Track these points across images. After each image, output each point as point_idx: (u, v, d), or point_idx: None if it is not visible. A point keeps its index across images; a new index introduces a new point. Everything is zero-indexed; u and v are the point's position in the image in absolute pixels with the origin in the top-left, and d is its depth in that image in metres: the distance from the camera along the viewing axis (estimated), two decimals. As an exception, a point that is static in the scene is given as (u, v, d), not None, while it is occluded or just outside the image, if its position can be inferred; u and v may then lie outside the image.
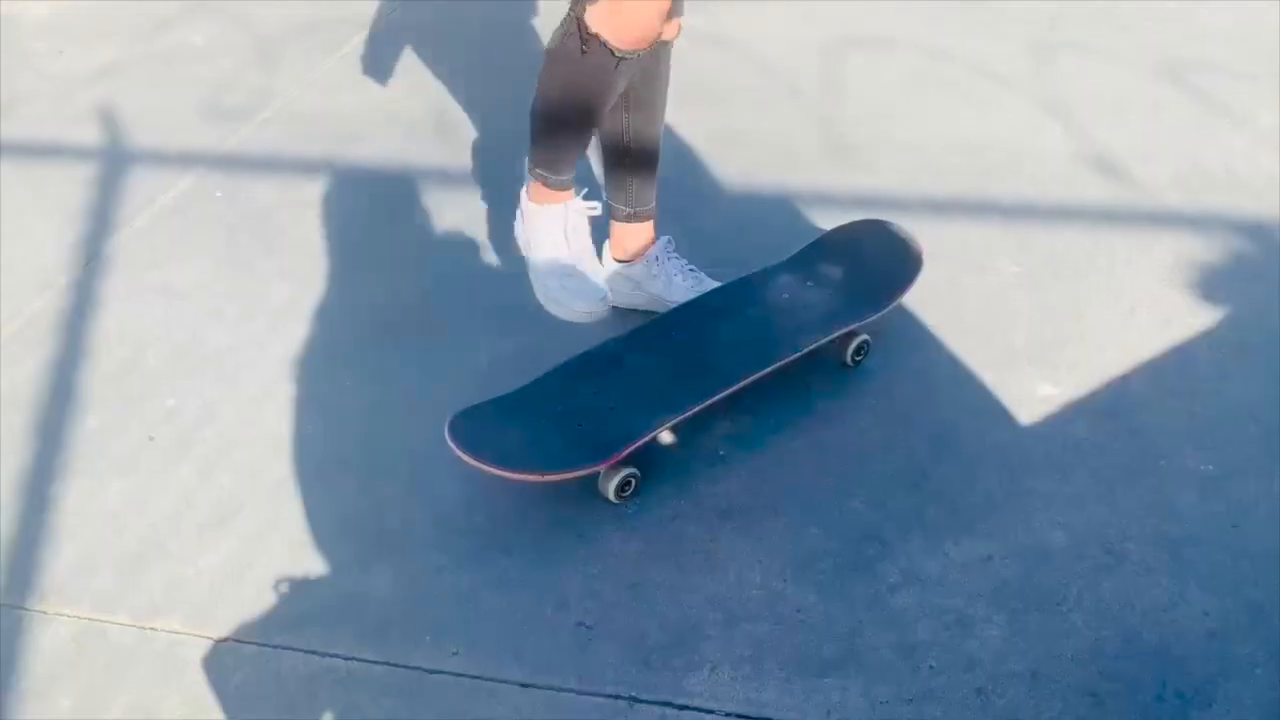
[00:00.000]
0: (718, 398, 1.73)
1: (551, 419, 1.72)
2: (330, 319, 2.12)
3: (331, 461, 1.80)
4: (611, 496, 1.67)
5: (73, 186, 2.57)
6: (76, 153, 2.72)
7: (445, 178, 2.55)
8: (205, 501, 1.74)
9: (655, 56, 1.81)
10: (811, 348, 1.83)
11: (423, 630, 1.52)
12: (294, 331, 2.09)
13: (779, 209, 2.38)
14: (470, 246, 2.31)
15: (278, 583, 1.60)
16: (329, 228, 2.40)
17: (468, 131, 2.73)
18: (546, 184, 1.78)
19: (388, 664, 1.47)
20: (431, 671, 1.46)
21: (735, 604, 1.53)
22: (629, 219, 2.01)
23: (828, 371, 1.91)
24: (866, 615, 1.51)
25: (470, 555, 1.62)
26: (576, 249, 1.79)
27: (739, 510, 1.68)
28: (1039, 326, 2.02)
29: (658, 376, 1.81)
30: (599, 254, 1.95)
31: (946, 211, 2.36)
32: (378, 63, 3.07)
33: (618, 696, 1.42)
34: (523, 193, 1.83)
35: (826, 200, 2.39)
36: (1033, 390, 1.88)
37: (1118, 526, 1.62)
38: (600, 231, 1.98)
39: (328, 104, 2.90)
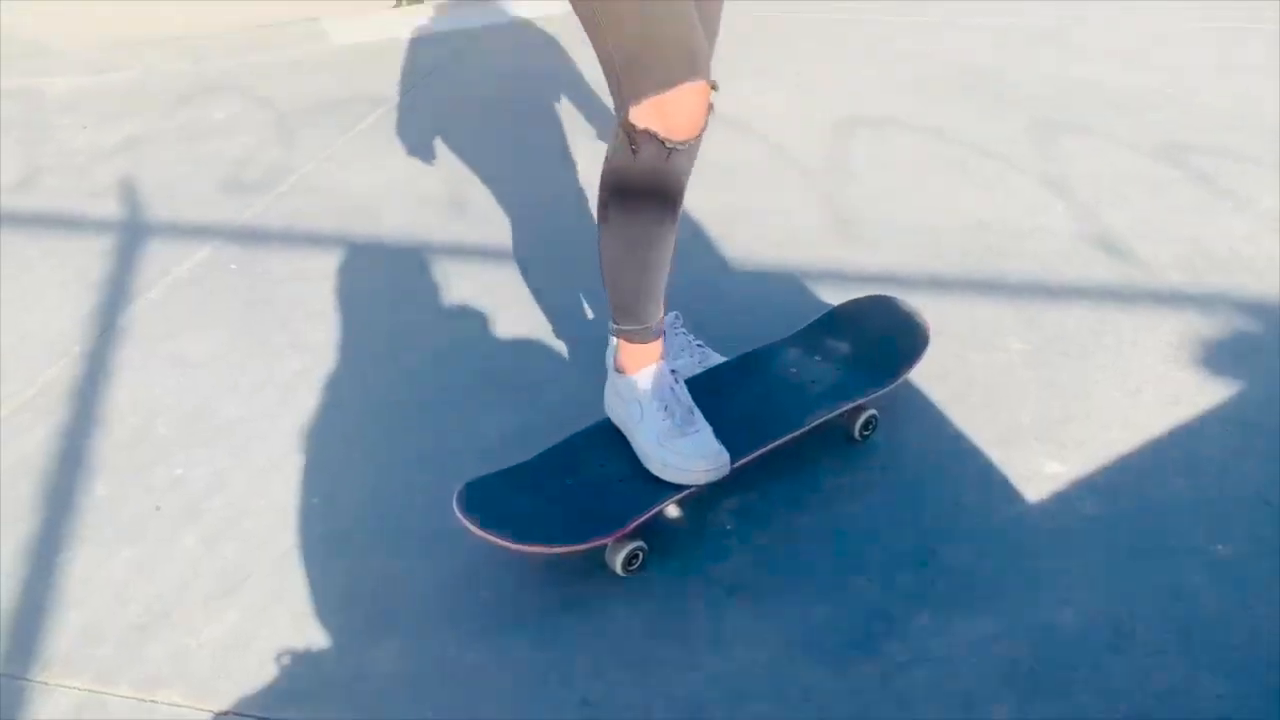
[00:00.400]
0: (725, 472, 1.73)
1: (559, 492, 1.72)
2: (340, 392, 2.14)
3: (337, 534, 1.80)
4: (619, 570, 1.66)
5: (90, 258, 2.61)
6: (95, 225, 2.77)
7: (457, 251, 2.59)
8: (211, 571, 1.74)
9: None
10: (819, 422, 1.84)
11: (426, 707, 1.50)
12: (304, 403, 2.10)
13: (785, 286, 2.41)
14: (479, 319, 2.34)
15: (280, 655, 1.59)
16: (341, 301, 2.43)
17: (481, 207, 2.78)
18: (634, 339, 1.72)
19: (389, 742, 1.46)
20: (434, 749, 1.45)
21: (741, 682, 1.51)
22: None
23: (835, 446, 1.92)
24: (874, 695, 1.49)
25: (475, 631, 1.61)
26: (682, 410, 1.73)
27: (746, 587, 1.67)
28: (1046, 404, 2.02)
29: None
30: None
31: (953, 289, 2.39)
32: (393, 139, 3.13)
33: (622, 776, 1.40)
34: (609, 366, 1.79)
35: (833, 278, 2.42)
36: (1040, 468, 1.87)
37: (1127, 606, 1.61)
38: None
39: (344, 179, 2.95)
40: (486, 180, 2.88)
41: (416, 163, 3.00)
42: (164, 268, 2.56)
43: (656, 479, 1.72)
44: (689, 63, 1.53)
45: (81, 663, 1.58)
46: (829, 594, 1.65)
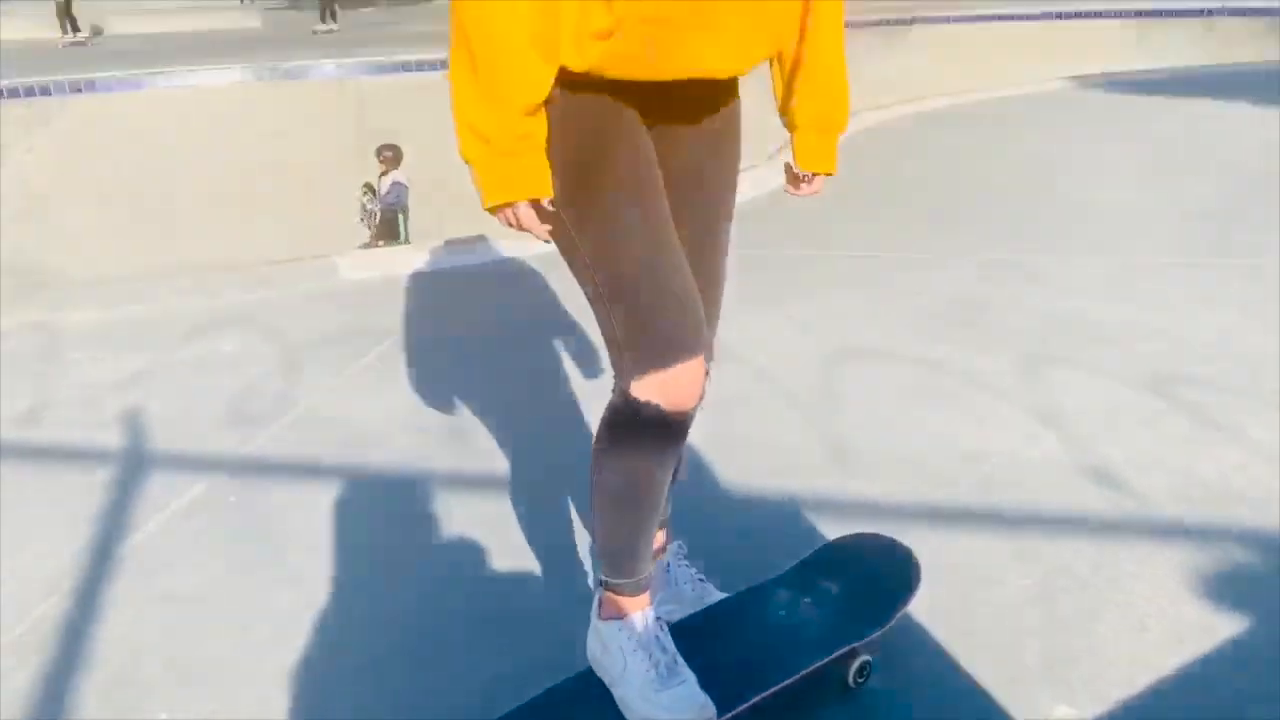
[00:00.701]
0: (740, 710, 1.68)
1: None
2: (330, 631, 2.11)
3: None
4: None
5: (90, 491, 2.63)
6: (98, 457, 2.80)
7: (457, 482, 2.61)
8: (187, 827, 1.66)
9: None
10: (811, 670, 1.79)
11: None
12: (292, 643, 2.06)
13: (781, 515, 2.41)
14: (475, 551, 2.33)
15: None
16: (337, 532, 2.43)
17: (481, 438, 2.81)
18: (622, 592, 1.71)
19: None
20: None
21: None
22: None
23: (832, 693, 1.87)
24: None
25: None
26: (666, 659, 1.70)
27: None
28: (1050, 641, 1.99)
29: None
30: None
31: (949, 522, 2.39)
32: (397, 372, 3.21)
33: None
34: (593, 613, 1.77)
35: (827, 508, 2.43)
36: (1049, 712, 1.82)
37: None
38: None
39: (347, 411, 3.01)
40: (487, 412, 2.93)
41: (419, 395, 3.06)
42: (162, 501, 2.57)
43: None
44: (690, 337, 1.58)
45: None
46: None
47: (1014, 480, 2.53)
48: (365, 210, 8.18)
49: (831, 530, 2.33)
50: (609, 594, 1.72)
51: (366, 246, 7.54)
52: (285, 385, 3.17)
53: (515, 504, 2.51)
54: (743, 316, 3.54)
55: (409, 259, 4.44)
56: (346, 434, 2.87)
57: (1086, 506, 2.41)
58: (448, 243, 4.60)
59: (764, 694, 1.73)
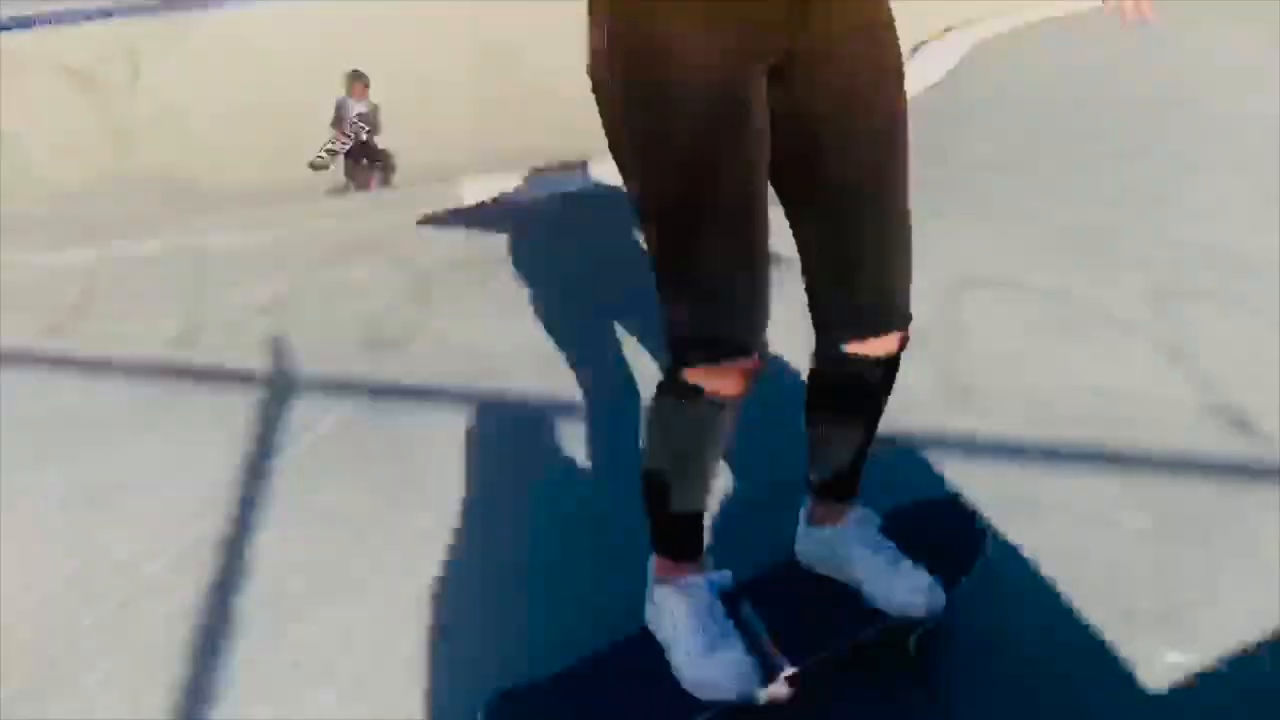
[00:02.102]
0: (785, 676, 1.72)
1: (593, 709, 1.71)
2: (466, 553, 2.24)
3: (464, 696, 1.86)
4: None
5: (242, 413, 2.81)
6: (247, 379, 2.99)
7: (583, 416, 2.70)
8: (341, 732, 1.83)
9: (869, 373, 1.74)
10: (866, 637, 1.79)
11: None
12: (431, 564, 2.21)
13: (891, 453, 2.43)
14: (600, 485, 2.43)
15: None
16: (469, 461, 2.56)
17: (609, 370, 2.89)
18: (681, 558, 1.76)
19: None
20: None
21: None
22: (818, 493, 1.90)
23: (943, 634, 1.91)
24: None
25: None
26: (717, 627, 1.72)
27: None
28: (1165, 588, 1.99)
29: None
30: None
31: (1067, 461, 2.38)
32: (524, 300, 3.31)
33: None
34: (649, 573, 1.81)
35: (942, 445, 2.45)
36: (1160, 656, 1.84)
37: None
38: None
39: (474, 337, 3.13)
40: (614, 342, 3.01)
41: (545, 324, 3.16)
42: (306, 424, 2.74)
43: (693, 695, 1.69)
44: (746, 334, 1.55)
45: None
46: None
47: (1138, 419, 2.50)
48: (338, 147, 7.90)
49: (945, 467, 2.35)
50: (660, 558, 1.77)
51: (340, 189, 7.57)
52: (415, 311, 3.30)
53: (637, 435, 2.59)
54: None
55: (533, 182, 4.51)
56: (475, 361, 2.99)
57: (1213, 450, 2.38)
58: (562, 165, 4.64)
59: (813, 660, 1.75)
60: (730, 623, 1.74)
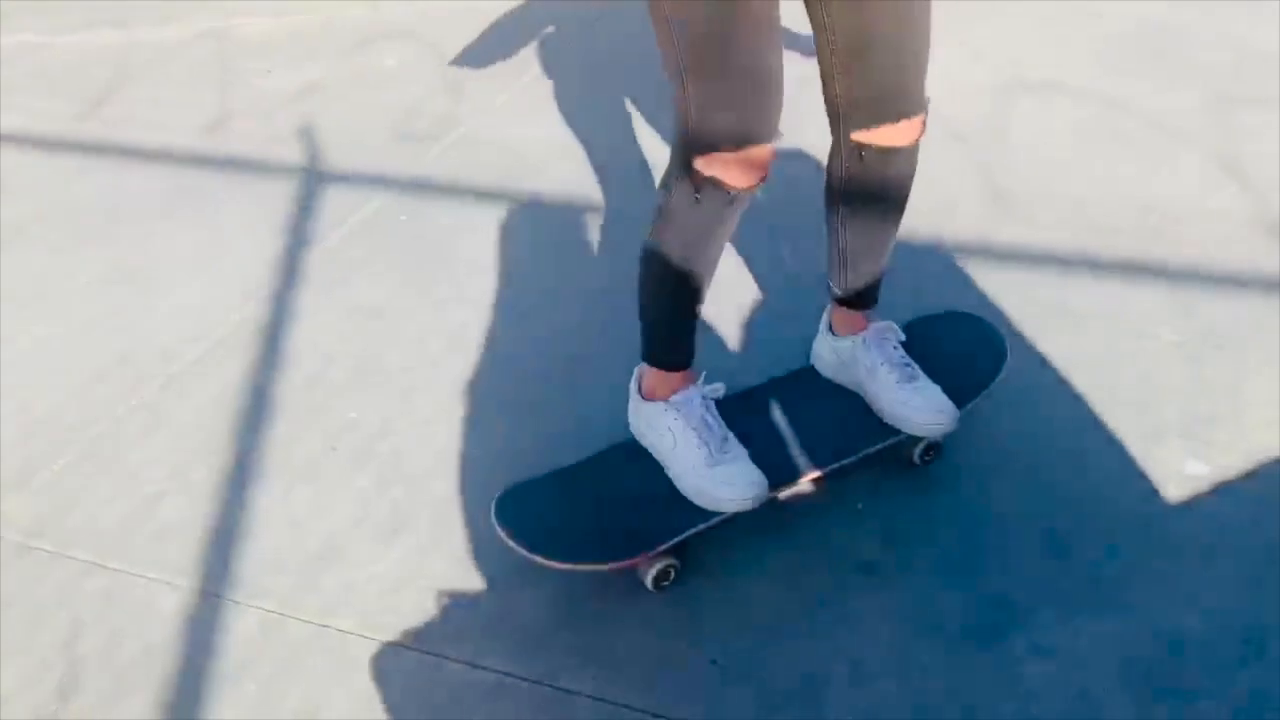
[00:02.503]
0: (776, 495, 1.73)
1: (594, 504, 1.75)
2: (499, 346, 2.27)
3: (495, 483, 1.92)
4: (650, 585, 1.69)
5: (275, 202, 2.81)
6: (279, 170, 2.97)
7: (616, 214, 2.68)
8: (379, 512, 1.91)
9: (886, 164, 1.68)
10: (876, 449, 1.80)
11: (567, 652, 1.63)
12: (465, 356, 2.24)
13: (931, 259, 2.41)
14: (633, 279, 2.42)
15: (439, 595, 1.74)
16: (503, 255, 2.55)
17: (640, 165, 2.85)
18: (665, 370, 1.74)
19: (533, 681, 1.59)
20: (572, 692, 1.58)
21: (864, 659, 1.59)
22: (839, 301, 1.88)
23: (971, 433, 1.94)
24: (990, 684, 1.55)
25: (615, 585, 1.71)
26: (715, 439, 1.70)
27: (873, 565, 1.74)
28: (1194, 400, 2.00)
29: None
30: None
31: (1107, 271, 2.35)
32: (557, 94, 3.22)
33: (744, 736, 1.50)
34: (632, 388, 1.80)
35: (982, 251, 2.41)
36: (1181, 467, 1.86)
37: (1260, 618, 1.61)
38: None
39: (508, 132, 3.07)
40: (645, 139, 2.95)
41: (579, 119, 3.08)
42: (341, 216, 2.74)
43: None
44: (763, 120, 1.51)
45: (266, 587, 1.77)
46: (956, 579, 1.70)
47: (1184, 232, 2.44)
48: None
49: (985, 276, 2.33)
50: (653, 371, 1.76)
51: None
52: (448, 104, 3.23)
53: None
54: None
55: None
56: (508, 157, 2.94)
57: (1257, 265, 2.33)
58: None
59: (817, 472, 1.77)
60: (729, 433, 1.73)
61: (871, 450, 1.80)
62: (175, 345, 2.34)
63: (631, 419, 1.82)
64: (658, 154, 2.88)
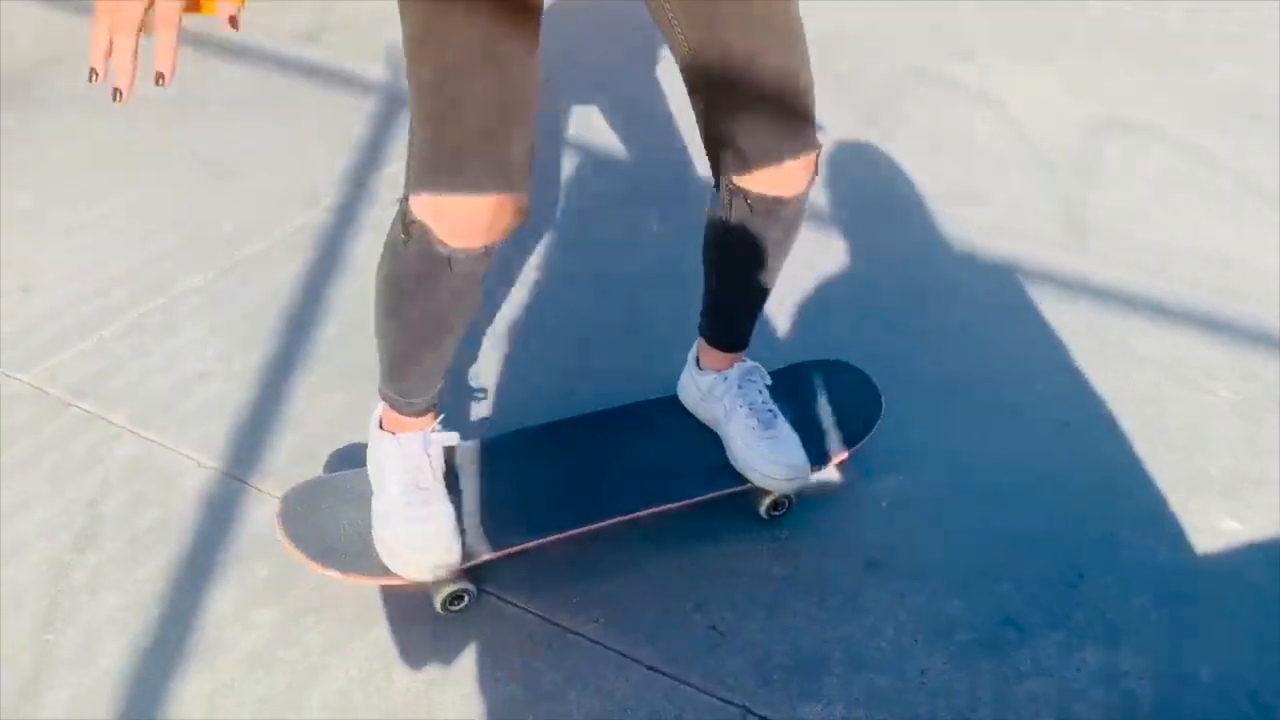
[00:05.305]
0: (594, 527, 1.62)
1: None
2: (549, 274, 2.28)
3: (528, 410, 1.93)
4: (438, 607, 1.57)
5: (355, 116, 2.84)
6: (363, 87, 2.99)
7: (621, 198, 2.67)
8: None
9: (768, 214, 1.48)
10: (721, 494, 1.70)
11: (571, 592, 1.64)
12: (523, 279, 2.26)
13: (998, 280, 2.39)
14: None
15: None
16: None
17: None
18: (396, 408, 1.56)
19: (533, 614, 1.60)
20: (570, 631, 1.58)
21: (864, 651, 1.59)
22: (705, 333, 1.75)
23: (1006, 451, 1.92)
24: (988, 695, 1.53)
25: (623, 538, 1.70)
26: (426, 491, 1.53)
27: (887, 564, 1.73)
28: (1242, 460, 1.96)
29: (538, 488, 1.69)
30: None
31: (1173, 319, 2.31)
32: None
33: (732, 704, 1.50)
34: (374, 413, 1.63)
35: (1052, 280, 2.39)
36: (1216, 522, 1.83)
37: (1272, 682, 1.58)
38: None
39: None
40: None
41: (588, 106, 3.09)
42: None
43: (516, 519, 1.62)
44: (493, 167, 1.28)
45: (290, 479, 1.79)
46: (968, 590, 1.69)
47: (1258, 293, 2.40)
48: None
49: (1048, 300, 2.31)
50: (385, 404, 1.60)
51: None
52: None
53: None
54: (1006, 63, 3.33)
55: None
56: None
57: (1328, 337, 2.28)
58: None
59: (662, 507, 1.66)
60: (444, 489, 1.57)
61: (706, 496, 1.69)
62: (240, 235, 2.37)
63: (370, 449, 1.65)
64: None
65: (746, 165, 1.43)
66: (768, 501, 1.74)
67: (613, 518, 1.64)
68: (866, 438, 1.82)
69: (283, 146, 2.71)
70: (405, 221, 1.34)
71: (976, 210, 2.61)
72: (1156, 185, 2.79)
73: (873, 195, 2.67)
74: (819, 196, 2.60)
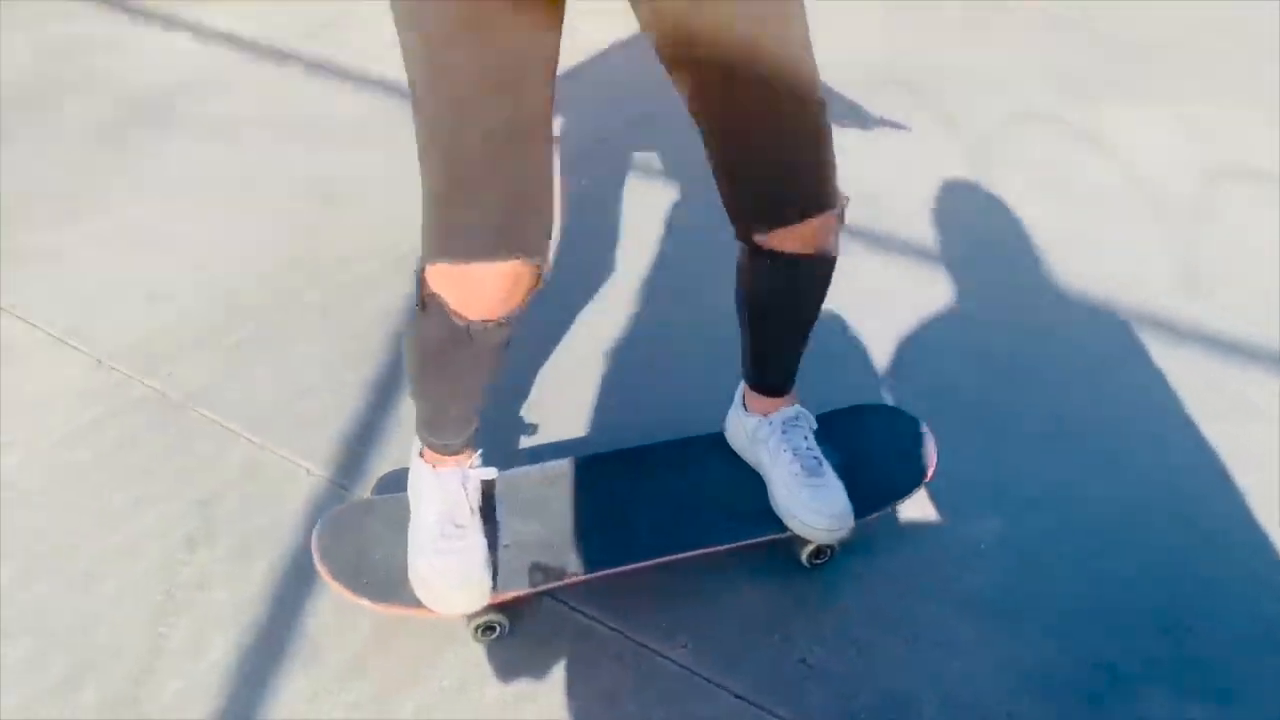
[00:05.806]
0: (628, 568, 1.60)
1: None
2: (634, 309, 2.31)
3: (621, 433, 1.95)
4: (470, 636, 1.58)
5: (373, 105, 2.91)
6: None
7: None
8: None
9: (791, 271, 1.47)
10: (761, 540, 1.66)
11: (660, 616, 1.65)
12: (606, 315, 2.29)
13: (1109, 329, 2.33)
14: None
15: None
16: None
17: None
18: (433, 449, 1.58)
19: (624, 635, 1.62)
20: (659, 654, 1.59)
21: (954, 690, 1.56)
22: (747, 378, 1.73)
23: (1109, 496, 1.88)
24: (1085, 746, 1.50)
25: (715, 564, 1.70)
26: (461, 523, 1.53)
27: (982, 604, 1.70)
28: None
29: (573, 525, 1.66)
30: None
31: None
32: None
33: (819, 738, 1.49)
34: (415, 447, 1.63)
35: (1166, 328, 2.33)
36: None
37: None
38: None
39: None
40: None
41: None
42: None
43: (553, 556, 1.60)
44: (501, 233, 1.25)
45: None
46: (1064, 634, 1.65)
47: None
48: None
49: (1161, 349, 2.25)
50: (416, 458, 1.62)
51: None
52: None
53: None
54: (1124, 107, 3.27)
55: None
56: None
57: None
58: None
59: (692, 553, 1.63)
60: (476, 524, 1.56)
61: (745, 542, 1.65)
62: (353, 256, 2.46)
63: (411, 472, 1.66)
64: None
65: (764, 227, 1.43)
66: (809, 549, 1.69)
67: (647, 560, 1.61)
68: (915, 489, 1.76)
69: (396, 171, 2.79)
70: (422, 292, 1.34)
71: (1088, 254, 2.56)
72: (1274, 232, 2.70)
73: (982, 236, 2.64)
74: (925, 237, 2.59)
